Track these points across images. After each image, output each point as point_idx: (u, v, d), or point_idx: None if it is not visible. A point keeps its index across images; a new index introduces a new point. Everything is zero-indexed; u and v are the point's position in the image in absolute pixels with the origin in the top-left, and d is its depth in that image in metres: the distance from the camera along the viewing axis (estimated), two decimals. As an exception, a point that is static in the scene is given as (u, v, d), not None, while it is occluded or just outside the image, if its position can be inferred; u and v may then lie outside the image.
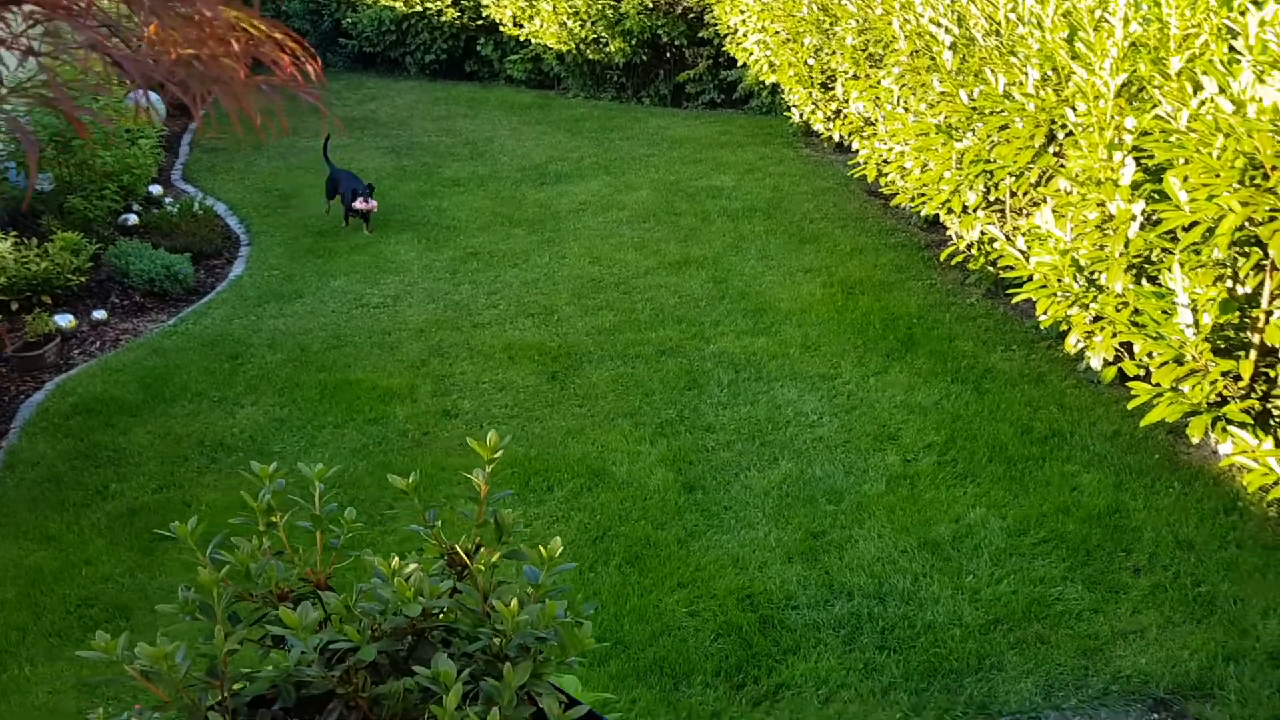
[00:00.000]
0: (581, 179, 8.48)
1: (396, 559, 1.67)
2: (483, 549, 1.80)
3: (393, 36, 12.35)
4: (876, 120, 7.60)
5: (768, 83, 10.24)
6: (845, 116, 8.65)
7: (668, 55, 11.07)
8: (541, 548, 1.78)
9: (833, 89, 8.82)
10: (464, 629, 1.65)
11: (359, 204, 7.27)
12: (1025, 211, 5.76)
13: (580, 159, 9.03)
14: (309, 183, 8.21)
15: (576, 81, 11.52)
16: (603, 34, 10.87)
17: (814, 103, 9.12)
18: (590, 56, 11.10)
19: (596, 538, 4.01)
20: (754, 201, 7.75)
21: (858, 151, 8.02)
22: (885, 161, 7.39)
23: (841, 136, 8.81)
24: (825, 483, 4.25)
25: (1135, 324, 4.49)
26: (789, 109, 9.70)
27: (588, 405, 5.01)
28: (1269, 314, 4.03)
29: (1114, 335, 4.75)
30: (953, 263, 6.29)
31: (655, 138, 9.66)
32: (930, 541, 3.85)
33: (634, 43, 10.80)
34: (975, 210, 6.05)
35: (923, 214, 6.79)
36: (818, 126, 9.19)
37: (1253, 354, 4.10)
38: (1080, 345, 5.06)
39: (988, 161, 5.76)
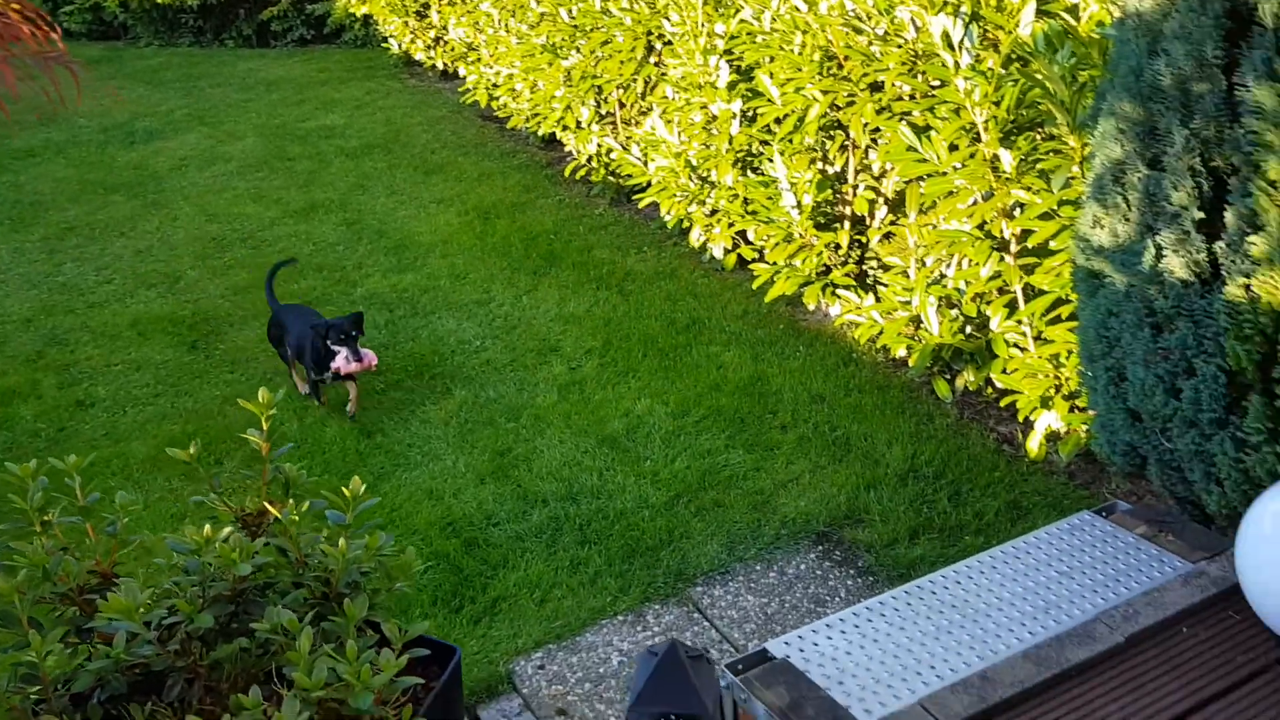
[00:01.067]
0: (176, 133, 7.89)
1: (208, 527, 1.62)
2: (277, 504, 1.77)
3: (-93, -8, 10.67)
4: (479, 45, 7.68)
5: (359, 14, 9.97)
6: (447, 44, 8.65)
7: (246, -7, 10.44)
8: (344, 489, 1.79)
9: (429, 16, 8.76)
10: (281, 583, 1.64)
11: (340, 363, 4.25)
12: (636, 121, 6.12)
13: (170, 112, 8.38)
14: None
15: (147, 29, 10.59)
16: (168, -26, 10.04)
17: (412, 32, 9.02)
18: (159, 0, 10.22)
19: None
20: (370, 138, 7.60)
21: (466, 78, 8.07)
22: (495, 85, 7.51)
23: (446, 64, 8.81)
24: (501, 403, 4.39)
25: (748, 212, 4.97)
26: (386, 40, 9.52)
27: (239, 370, 4.80)
28: (855, 188, 4.62)
29: (730, 225, 5.23)
30: (577, 177, 6.56)
31: (248, 81, 9.14)
32: (608, 438, 4.12)
33: (206, -18, 10.08)
34: (590, 125, 6.34)
35: (540, 133, 7.01)
36: (419, 56, 9.11)
37: (847, 225, 4.69)
38: (702, 238, 5.52)
39: (595, 77, 6.03)
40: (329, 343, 4.26)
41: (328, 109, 8.31)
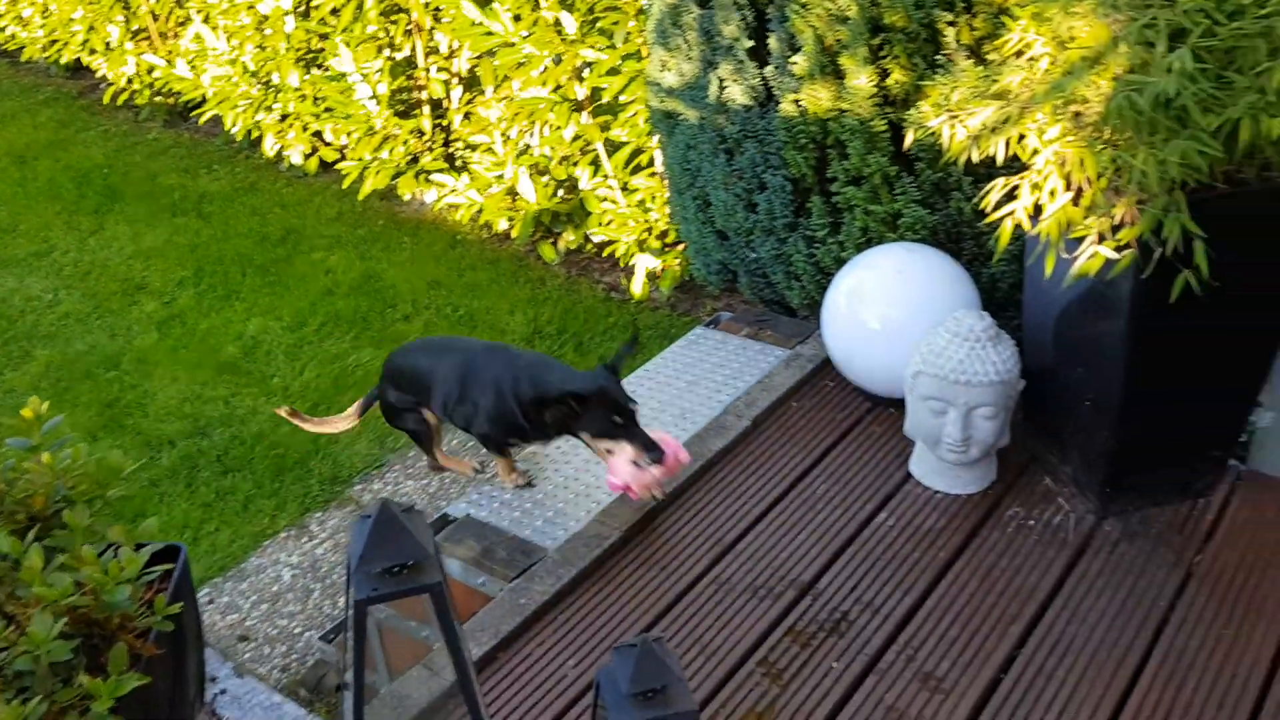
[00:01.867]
0: None
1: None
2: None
3: None
4: (-38, -34, 6.67)
5: None
6: (-84, -31, 7.41)
7: None
8: (25, 410, 1.62)
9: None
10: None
11: (625, 475, 2.34)
12: (176, 33, 5.66)
13: None
14: None
15: None
16: None
17: None
18: None
19: None
20: None
21: (-48, 7, 6.99)
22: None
23: (-79, -6, 7.56)
24: (94, 354, 4.04)
25: (324, 110, 4.83)
26: None
27: None
28: (427, 70, 4.62)
29: (305, 128, 5.06)
30: (119, 103, 5.98)
31: None
32: (226, 364, 3.94)
33: None
34: (123, 45, 5.78)
35: (63, 62, 6.29)
36: (-117, -12, 7.73)
37: (427, 109, 4.69)
38: (277, 146, 5.28)
39: (118, -13, 5.49)
40: (585, 432, 2.36)
41: None
